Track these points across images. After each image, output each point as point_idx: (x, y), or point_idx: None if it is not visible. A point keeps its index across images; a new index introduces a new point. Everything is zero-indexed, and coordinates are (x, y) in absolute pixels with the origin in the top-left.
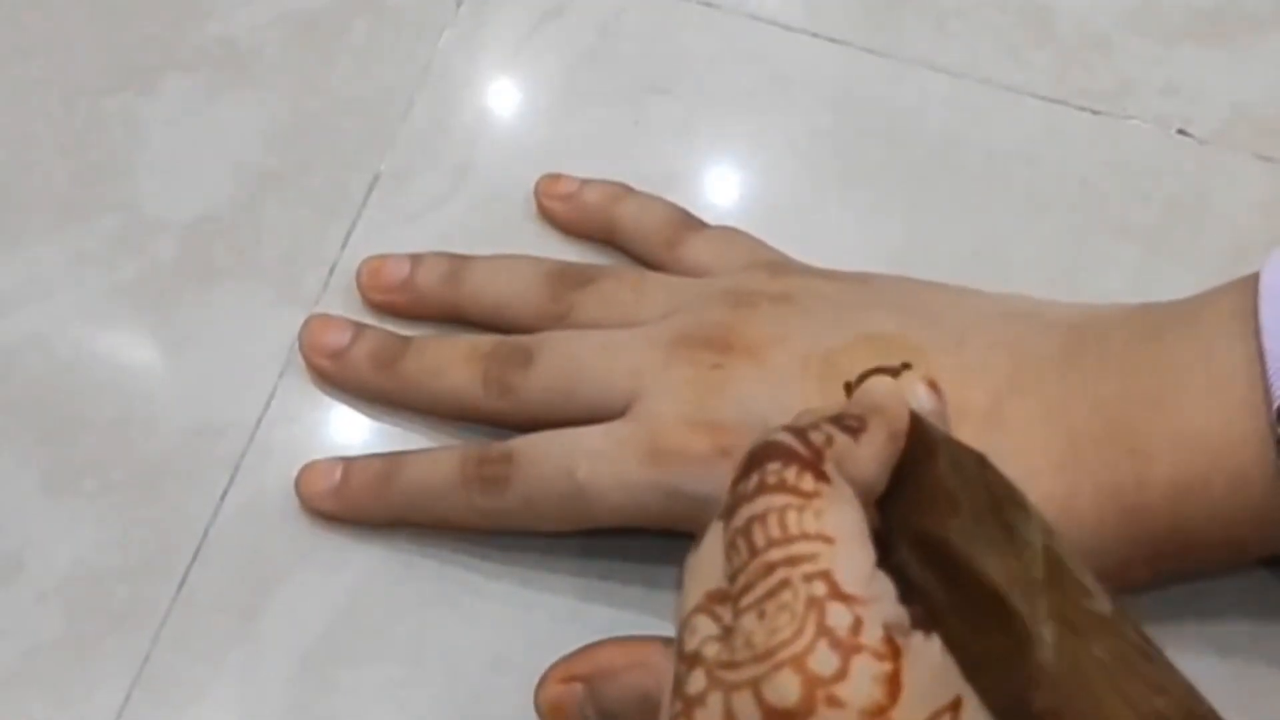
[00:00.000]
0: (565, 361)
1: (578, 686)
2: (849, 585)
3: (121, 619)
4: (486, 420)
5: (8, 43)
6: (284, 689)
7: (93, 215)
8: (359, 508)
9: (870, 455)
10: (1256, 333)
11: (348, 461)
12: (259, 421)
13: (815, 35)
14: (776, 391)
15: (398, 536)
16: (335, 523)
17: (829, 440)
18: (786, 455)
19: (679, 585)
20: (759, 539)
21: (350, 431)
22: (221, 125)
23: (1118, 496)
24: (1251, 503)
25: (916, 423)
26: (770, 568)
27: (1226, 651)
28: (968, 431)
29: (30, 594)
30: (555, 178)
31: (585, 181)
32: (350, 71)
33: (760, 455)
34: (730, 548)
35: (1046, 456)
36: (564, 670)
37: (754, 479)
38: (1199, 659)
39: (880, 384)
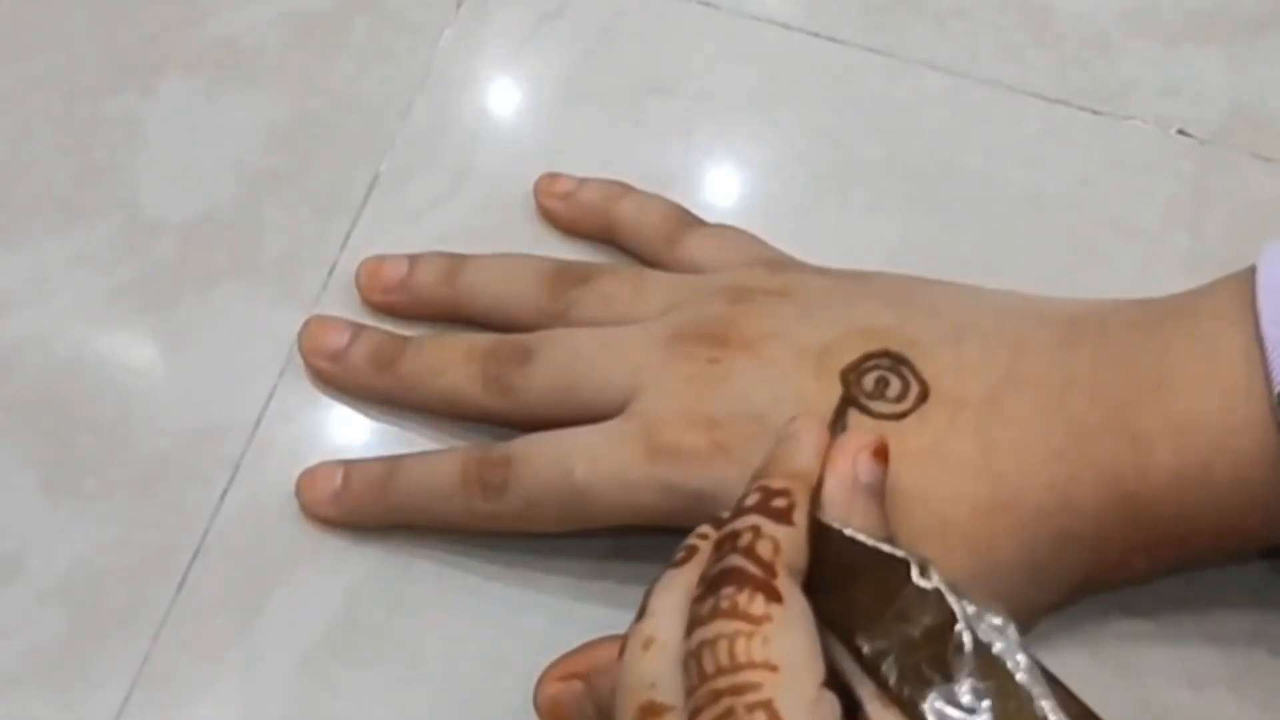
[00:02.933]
0: (564, 359)
1: (576, 684)
2: (790, 713)
3: (121, 619)
4: (486, 419)
5: (8, 43)
6: (284, 689)
7: (93, 215)
8: (359, 512)
9: (804, 539)
10: (1255, 320)
11: (347, 465)
12: (259, 421)
13: (815, 35)
14: (773, 385)
15: (397, 537)
16: (336, 525)
17: (775, 548)
18: (740, 579)
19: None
20: (708, 665)
21: (350, 432)
22: (221, 125)
23: (1118, 484)
24: (1252, 489)
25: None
26: (717, 695)
27: (1226, 646)
28: (967, 424)
29: (30, 594)
30: (554, 176)
31: (584, 180)
32: (350, 71)
33: (718, 580)
34: (685, 668)
35: (1046, 446)
36: (562, 668)
37: (709, 603)
38: (1199, 653)
39: (802, 445)
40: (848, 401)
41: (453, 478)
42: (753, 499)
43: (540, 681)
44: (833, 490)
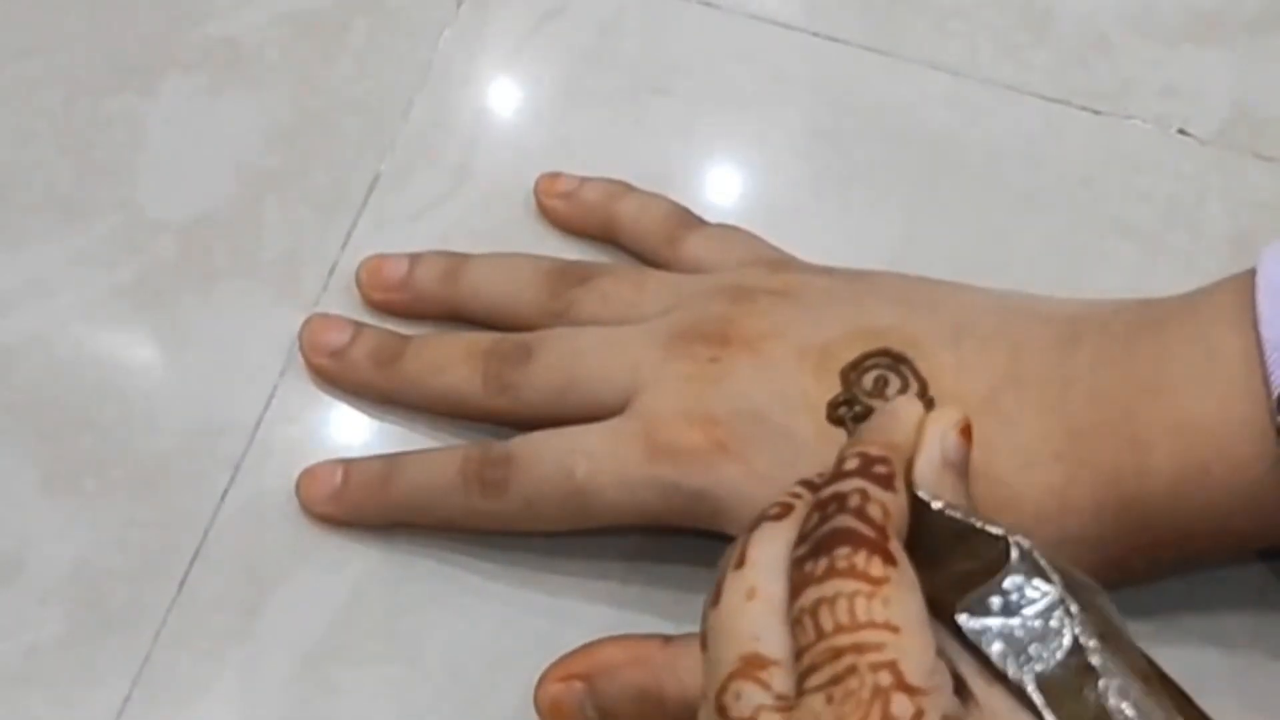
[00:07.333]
0: (564, 358)
1: (577, 684)
2: (913, 676)
3: (121, 619)
4: (486, 418)
5: (8, 43)
6: (284, 689)
7: (93, 215)
8: (359, 510)
9: (906, 507)
10: (1254, 323)
11: (347, 464)
12: (259, 421)
13: (815, 34)
14: (773, 384)
15: (397, 537)
16: (336, 524)
17: (885, 511)
18: (855, 540)
19: (711, 598)
20: (827, 622)
21: (350, 431)
22: (221, 125)
23: (1117, 485)
24: (1251, 491)
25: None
26: (838, 653)
27: (1227, 645)
28: None
29: (30, 594)
30: (555, 176)
31: (585, 179)
32: (350, 71)
33: (829, 540)
34: (797, 625)
35: (1045, 446)
36: (563, 668)
37: (823, 561)
38: (1199, 653)
39: (899, 419)
40: (848, 401)
41: (453, 476)
42: (853, 463)
43: (541, 681)
44: (922, 467)
